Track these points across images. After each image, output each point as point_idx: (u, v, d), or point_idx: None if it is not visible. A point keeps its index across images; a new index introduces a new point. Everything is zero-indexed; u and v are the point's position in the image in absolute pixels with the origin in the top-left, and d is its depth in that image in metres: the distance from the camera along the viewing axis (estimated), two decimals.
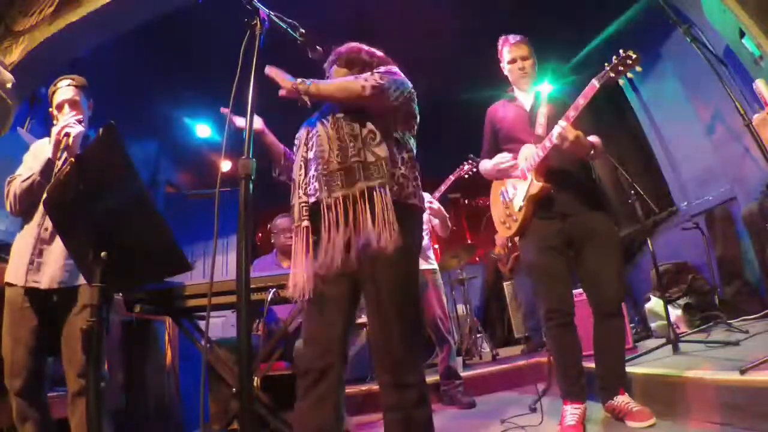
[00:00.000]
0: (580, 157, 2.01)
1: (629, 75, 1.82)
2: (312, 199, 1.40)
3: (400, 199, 1.37)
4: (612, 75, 1.82)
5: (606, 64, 1.84)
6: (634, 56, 1.79)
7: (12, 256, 1.86)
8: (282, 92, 1.45)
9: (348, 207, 1.33)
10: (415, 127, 1.58)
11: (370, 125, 1.42)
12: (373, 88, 1.43)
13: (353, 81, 1.46)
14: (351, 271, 1.33)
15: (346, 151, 1.38)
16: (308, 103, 1.45)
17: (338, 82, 1.51)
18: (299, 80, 1.44)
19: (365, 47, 1.70)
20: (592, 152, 1.97)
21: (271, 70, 1.46)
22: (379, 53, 1.70)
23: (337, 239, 1.31)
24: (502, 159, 2.09)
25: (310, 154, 1.45)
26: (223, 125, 1.35)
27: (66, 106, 1.92)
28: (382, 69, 1.54)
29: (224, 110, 1.31)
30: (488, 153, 2.25)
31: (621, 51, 1.82)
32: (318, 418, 1.29)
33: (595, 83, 1.86)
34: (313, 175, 1.41)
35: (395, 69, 1.57)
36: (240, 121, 1.59)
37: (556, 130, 1.88)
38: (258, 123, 1.72)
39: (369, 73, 1.50)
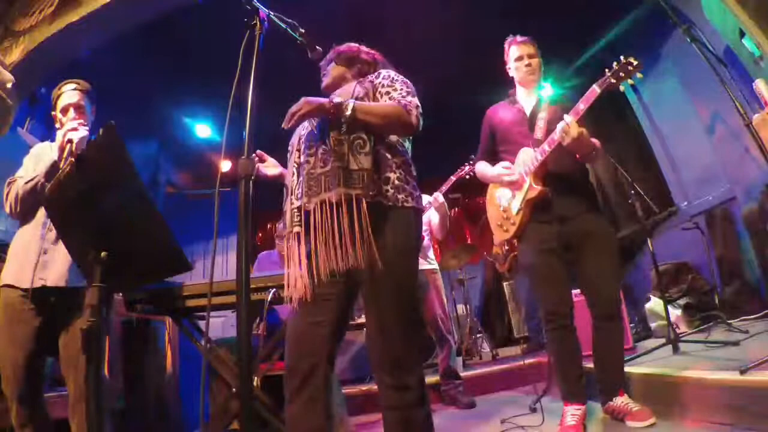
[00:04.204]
0: (582, 156, 2.00)
1: (630, 81, 1.79)
2: (297, 204, 1.39)
3: (396, 203, 1.36)
4: (613, 81, 1.79)
5: (606, 70, 1.81)
6: (635, 63, 1.75)
7: (11, 257, 1.82)
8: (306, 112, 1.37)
9: (325, 211, 1.31)
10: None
11: (361, 131, 1.38)
12: (417, 118, 1.42)
13: (399, 108, 1.40)
14: (347, 272, 1.32)
15: (330, 155, 1.36)
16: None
17: (381, 107, 1.42)
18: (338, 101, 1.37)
19: (364, 48, 1.69)
20: (594, 152, 1.95)
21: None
22: (378, 55, 1.69)
23: (321, 243, 1.31)
24: (506, 172, 2.05)
25: (302, 159, 1.44)
26: (223, 125, 1.35)
27: (71, 110, 1.92)
28: (385, 78, 1.50)
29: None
30: (484, 154, 2.25)
31: (622, 57, 1.78)
32: (308, 420, 1.28)
33: (595, 89, 1.83)
34: (302, 180, 1.40)
35: (399, 76, 1.53)
36: (267, 170, 1.71)
37: (561, 125, 1.86)
38: (276, 170, 1.73)
39: (399, 98, 1.43)
